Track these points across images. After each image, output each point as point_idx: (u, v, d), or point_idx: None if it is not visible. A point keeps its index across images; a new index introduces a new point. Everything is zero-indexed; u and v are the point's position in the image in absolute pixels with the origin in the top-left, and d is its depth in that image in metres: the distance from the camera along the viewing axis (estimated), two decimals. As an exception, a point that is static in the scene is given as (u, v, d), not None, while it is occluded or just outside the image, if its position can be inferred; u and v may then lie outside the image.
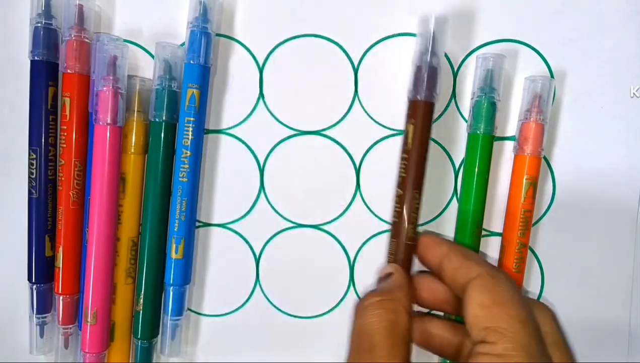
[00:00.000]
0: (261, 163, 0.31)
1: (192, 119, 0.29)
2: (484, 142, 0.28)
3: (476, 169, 0.28)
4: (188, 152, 0.29)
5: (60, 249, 0.29)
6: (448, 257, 0.24)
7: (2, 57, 0.31)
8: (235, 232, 0.31)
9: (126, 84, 0.28)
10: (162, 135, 0.29)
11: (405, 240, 0.26)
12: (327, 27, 0.30)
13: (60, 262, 0.30)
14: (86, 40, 0.29)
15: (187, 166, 0.29)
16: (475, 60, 0.29)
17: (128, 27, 0.30)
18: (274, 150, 0.31)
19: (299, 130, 0.31)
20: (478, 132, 0.28)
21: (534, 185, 0.28)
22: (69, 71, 0.29)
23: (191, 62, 0.28)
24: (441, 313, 0.26)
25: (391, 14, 0.30)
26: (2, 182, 0.31)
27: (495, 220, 0.30)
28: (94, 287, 0.28)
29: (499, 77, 0.29)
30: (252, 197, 0.31)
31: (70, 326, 0.31)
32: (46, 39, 0.29)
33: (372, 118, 0.30)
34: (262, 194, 0.31)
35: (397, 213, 0.27)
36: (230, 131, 0.31)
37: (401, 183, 0.27)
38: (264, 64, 0.30)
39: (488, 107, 0.28)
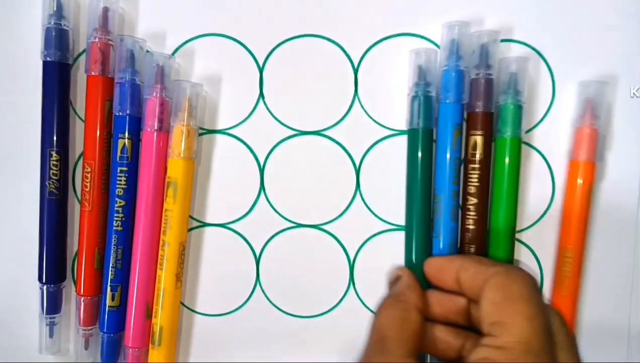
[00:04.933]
0: (261, 163, 0.31)
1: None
2: (512, 146, 0.28)
3: (506, 174, 0.28)
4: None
5: (83, 251, 0.30)
6: (464, 268, 0.25)
7: (12, 57, 0.31)
8: (236, 232, 0.31)
9: (175, 90, 0.29)
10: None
11: (475, 245, 0.28)
12: (327, 27, 0.30)
13: (82, 264, 0.30)
14: (110, 42, 0.29)
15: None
16: (498, 63, 0.29)
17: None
18: (274, 150, 0.31)
19: (299, 130, 0.31)
20: (505, 136, 0.28)
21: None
22: (92, 73, 0.29)
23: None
24: None
25: (391, 14, 0.30)
26: (11, 181, 0.31)
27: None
28: (142, 285, 0.29)
29: (523, 79, 0.28)
30: (252, 197, 0.31)
31: (91, 327, 0.31)
32: (58, 40, 0.29)
33: (372, 118, 0.30)
34: (262, 194, 0.31)
35: (474, 221, 0.28)
36: (230, 131, 0.31)
37: (476, 193, 0.28)
38: (264, 64, 0.31)
39: (514, 110, 0.28)
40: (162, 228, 0.29)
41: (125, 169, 0.29)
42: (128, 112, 0.29)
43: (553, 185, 0.30)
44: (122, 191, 0.29)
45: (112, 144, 0.29)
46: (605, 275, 0.31)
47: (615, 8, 0.29)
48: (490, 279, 0.23)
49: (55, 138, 0.29)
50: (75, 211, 0.32)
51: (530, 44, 0.30)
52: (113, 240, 0.29)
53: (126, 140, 0.29)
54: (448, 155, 0.28)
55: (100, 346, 0.31)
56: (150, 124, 0.29)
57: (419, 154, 0.29)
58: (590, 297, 0.31)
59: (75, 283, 0.32)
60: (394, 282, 0.28)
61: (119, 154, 0.29)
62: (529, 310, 0.21)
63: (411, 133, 0.29)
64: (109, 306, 0.30)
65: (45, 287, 0.30)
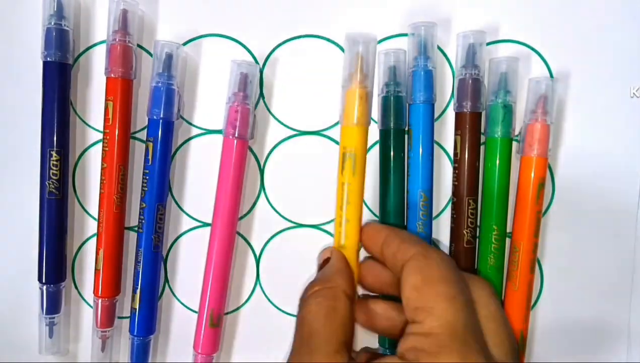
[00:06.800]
0: (261, 163, 0.31)
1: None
2: (502, 146, 0.28)
3: (496, 173, 0.28)
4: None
5: (101, 252, 0.30)
6: (386, 243, 0.24)
7: (13, 58, 0.31)
8: (236, 232, 0.31)
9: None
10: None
11: (465, 244, 0.28)
12: (327, 27, 0.30)
13: (100, 265, 0.30)
14: (130, 44, 0.29)
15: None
16: (489, 63, 0.29)
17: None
18: (274, 150, 0.31)
19: (299, 130, 0.31)
20: (496, 135, 0.28)
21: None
22: (112, 75, 0.29)
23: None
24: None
25: (390, 15, 0.30)
26: (11, 181, 0.31)
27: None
28: (212, 292, 0.29)
29: (514, 79, 0.29)
30: (252, 197, 0.31)
31: (108, 329, 0.31)
32: (58, 40, 0.29)
33: (371, 118, 0.30)
34: (262, 194, 0.31)
35: (454, 219, 0.29)
36: (230, 131, 0.31)
37: (455, 191, 0.28)
38: (264, 64, 0.31)
39: (504, 110, 0.28)
40: (339, 204, 0.26)
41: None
42: (162, 115, 0.29)
43: (553, 185, 0.30)
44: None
45: (152, 147, 0.29)
46: (605, 275, 0.31)
47: (615, 8, 0.29)
48: (409, 261, 0.23)
49: (55, 138, 0.29)
50: (75, 211, 0.32)
51: (529, 44, 0.30)
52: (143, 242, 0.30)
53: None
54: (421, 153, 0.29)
55: (130, 348, 0.31)
56: (231, 131, 0.28)
57: (392, 154, 0.29)
58: (590, 297, 0.31)
59: (75, 283, 0.32)
60: (322, 264, 0.25)
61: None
62: (449, 291, 0.21)
63: (383, 133, 0.29)
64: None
65: (45, 287, 0.30)
